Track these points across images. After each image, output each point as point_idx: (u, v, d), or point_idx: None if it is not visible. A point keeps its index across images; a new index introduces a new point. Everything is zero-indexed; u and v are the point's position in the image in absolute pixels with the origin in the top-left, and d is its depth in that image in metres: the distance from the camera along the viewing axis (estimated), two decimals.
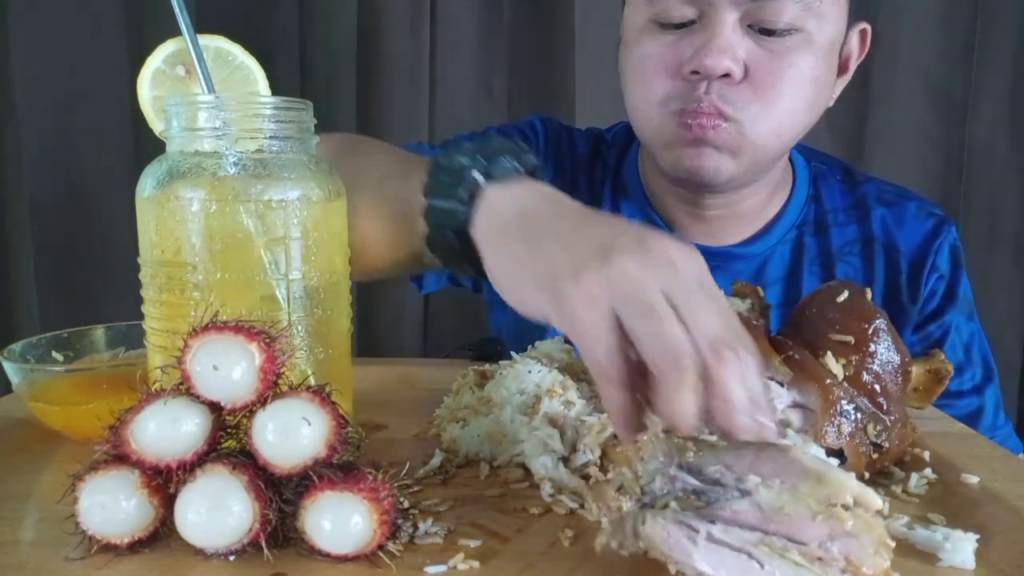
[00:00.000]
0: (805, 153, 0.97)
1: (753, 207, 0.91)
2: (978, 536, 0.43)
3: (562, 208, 0.52)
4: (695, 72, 0.76)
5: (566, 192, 0.53)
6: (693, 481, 0.38)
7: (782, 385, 0.53)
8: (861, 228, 0.94)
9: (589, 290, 0.44)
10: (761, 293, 0.60)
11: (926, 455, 0.56)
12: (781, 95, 0.78)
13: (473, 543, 0.43)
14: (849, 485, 0.36)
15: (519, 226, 0.51)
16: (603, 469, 0.51)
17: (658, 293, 0.44)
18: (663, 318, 0.43)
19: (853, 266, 0.92)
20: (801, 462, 0.37)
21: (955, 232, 0.94)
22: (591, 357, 0.44)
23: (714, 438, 0.50)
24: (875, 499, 0.36)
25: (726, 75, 0.76)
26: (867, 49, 0.87)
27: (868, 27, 0.85)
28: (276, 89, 0.56)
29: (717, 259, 0.91)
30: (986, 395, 0.91)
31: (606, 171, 0.98)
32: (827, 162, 0.98)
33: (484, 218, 0.52)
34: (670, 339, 0.42)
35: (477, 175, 0.54)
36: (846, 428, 0.52)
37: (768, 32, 0.76)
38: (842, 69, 0.85)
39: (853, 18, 0.83)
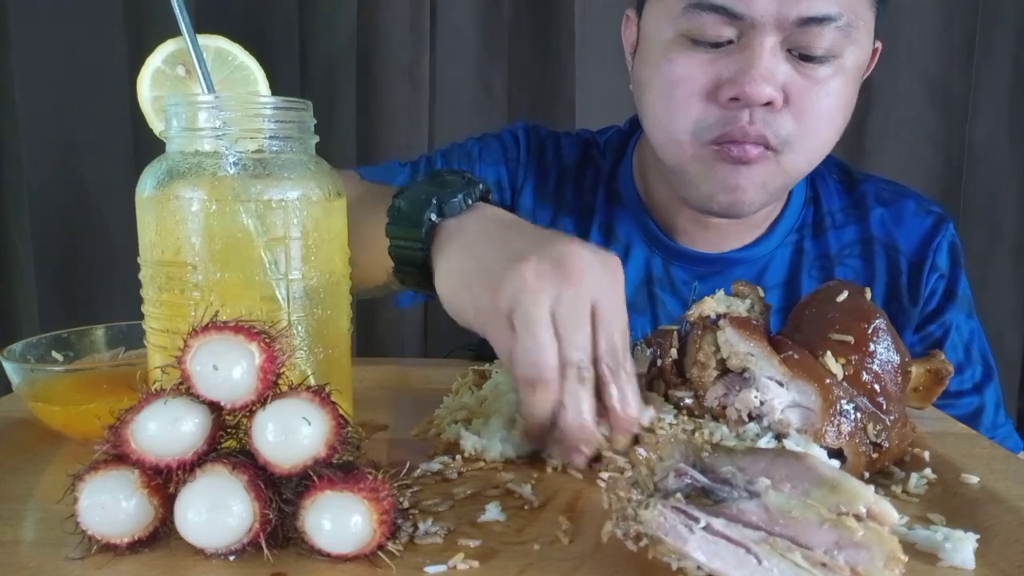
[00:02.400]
0: None
1: (759, 216, 0.90)
2: (978, 536, 0.43)
3: (501, 228, 0.57)
4: (734, 99, 0.74)
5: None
6: (702, 479, 0.38)
7: (781, 385, 0.53)
8: (859, 229, 0.93)
9: (497, 303, 0.51)
10: (761, 293, 0.60)
11: (926, 455, 0.56)
12: (819, 123, 0.77)
13: (473, 543, 0.43)
14: (864, 495, 0.36)
15: (462, 251, 0.56)
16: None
17: (542, 306, 0.50)
18: (536, 332, 0.49)
19: (853, 268, 0.92)
20: (816, 469, 0.38)
21: (954, 229, 0.94)
22: (506, 364, 0.51)
23: (733, 442, 0.51)
24: (891, 512, 0.36)
25: (768, 103, 0.74)
26: (874, 66, 0.86)
27: (880, 45, 0.84)
28: (276, 89, 0.56)
29: (718, 264, 0.91)
30: (986, 394, 0.91)
31: (599, 178, 0.96)
32: (825, 161, 0.96)
33: (437, 251, 0.59)
34: (533, 352, 0.49)
35: (432, 216, 0.59)
36: (846, 428, 0.52)
37: (807, 58, 0.74)
38: None
39: (876, 34, 0.81)
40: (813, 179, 0.94)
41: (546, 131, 1.01)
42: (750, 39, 0.73)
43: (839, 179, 0.96)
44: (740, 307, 0.58)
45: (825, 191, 0.94)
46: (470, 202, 0.60)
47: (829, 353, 0.54)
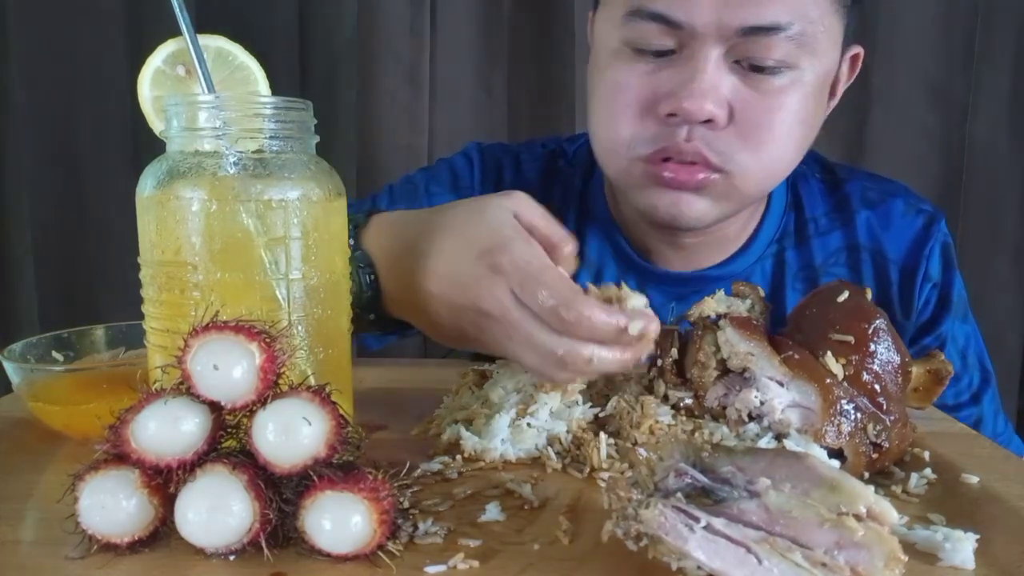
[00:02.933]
0: None
1: (733, 230, 0.85)
2: (978, 536, 0.43)
3: (414, 249, 0.58)
4: (672, 114, 0.69)
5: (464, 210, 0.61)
6: (702, 478, 0.38)
7: (782, 385, 0.53)
8: (845, 235, 0.88)
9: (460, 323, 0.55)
10: (762, 293, 0.60)
11: (926, 455, 0.56)
12: (771, 140, 0.71)
13: (473, 543, 0.43)
14: (864, 495, 0.36)
15: (405, 293, 0.59)
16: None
17: (502, 338, 0.53)
18: (532, 344, 0.52)
19: (838, 278, 0.86)
20: (816, 469, 0.38)
21: (945, 227, 0.89)
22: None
23: (734, 442, 0.52)
24: (891, 512, 0.36)
25: (708, 121, 0.69)
26: (857, 72, 0.82)
27: (861, 51, 0.80)
28: (276, 89, 0.56)
29: (694, 284, 0.86)
30: (984, 402, 0.87)
31: (569, 193, 0.91)
32: (806, 160, 0.89)
33: (373, 231, 0.62)
34: (547, 355, 0.51)
35: (356, 214, 0.62)
36: (846, 428, 0.52)
37: (757, 69, 0.69)
38: (830, 95, 0.79)
39: (847, 44, 0.76)
40: (795, 181, 0.89)
41: (503, 148, 0.96)
42: (692, 50, 0.68)
43: (822, 179, 0.90)
44: (740, 307, 0.58)
45: (808, 193, 0.89)
46: (375, 278, 0.61)
47: (829, 353, 0.54)
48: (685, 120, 0.69)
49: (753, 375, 0.54)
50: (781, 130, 0.71)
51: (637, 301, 0.53)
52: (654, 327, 0.52)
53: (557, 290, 0.51)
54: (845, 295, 0.57)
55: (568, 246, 0.56)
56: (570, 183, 0.91)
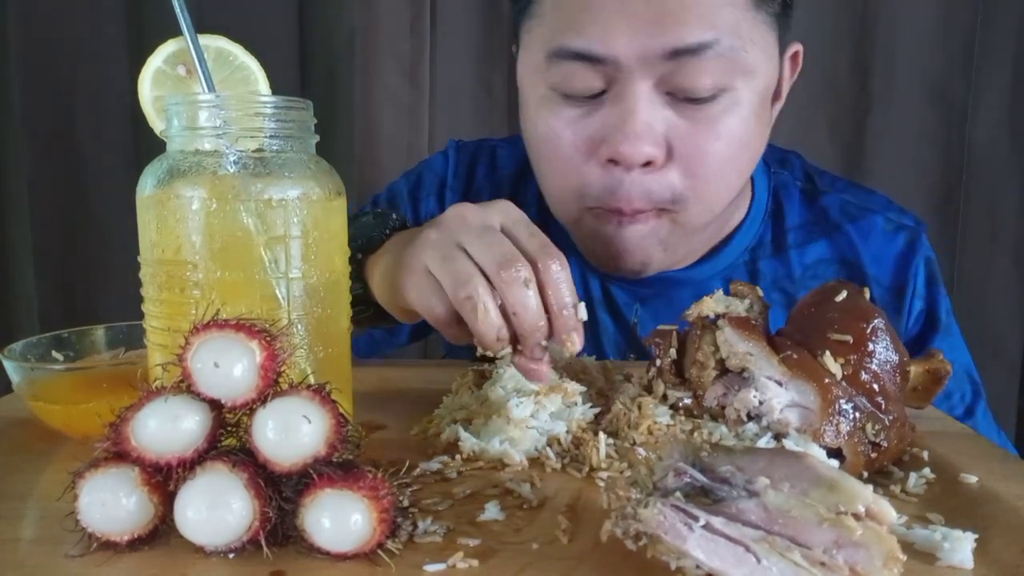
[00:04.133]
0: (766, 156, 0.83)
1: (704, 234, 0.80)
2: (977, 536, 0.43)
3: (409, 236, 0.62)
4: (611, 160, 0.68)
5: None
6: (701, 478, 0.38)
7: (780, 384, 0.53)
8: (824, 248, 0.85)
9: (409, 262, 0.56)
10: (760, 293, 0.60)
11: (925, 455, 0.56)
12: (714, 172, 0.68)
13: (472, 542, 0.43)
14: (862, 494, 0.36)
15: (385, 263, 0.63)
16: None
17: (452, 246, 0.53)
18: (451, 262, 0.53)
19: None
20: (815, 469, 0.38)
21: (926, 241, 0.86)
22: (429, 315, 0.56)
23: (733, 442, 0.52)
24: (889, 511, 0.36)
25: (648, 163, 0.67)
26: (799, 67, 0.79)
27: (800, 48, 0.77)
28: (276, 89, 0.56)
29: (658, 286, 0.83)
30: (978, 415, 0.84)
31: (536, 197, 0.88)
32: (790, 166, 0.89)
33: (370, 279, 0.67)
34: (453, 276, 0.52)
35: (358, 255, 0.66)
36: (844, 427, 0.52)
37: (691, 100, 0.66)
38: (774, 99, 0.76)
39: (784, 49, 0.74)
40: (777, 190, 0.86)
41: (478, 146, 0.95)
42: (621, 88, 0.65)
43: (802, 188, 0.87)
44: (739, 307, 0.58)
45: (789, 203, 0.86)
46: (387, 232, 0.68)
47: (828, 353, 0.54)
48: (625, 166, 0.67)
49: (752, 375, 0.54)
50: (722, 160, 0.68)
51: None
52: (573, 345, 0.53)
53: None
54: (843, 295, 0.57)
55: (555, 263, 0.53)
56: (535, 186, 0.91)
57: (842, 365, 0.53)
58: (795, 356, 0.54)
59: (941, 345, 0.85)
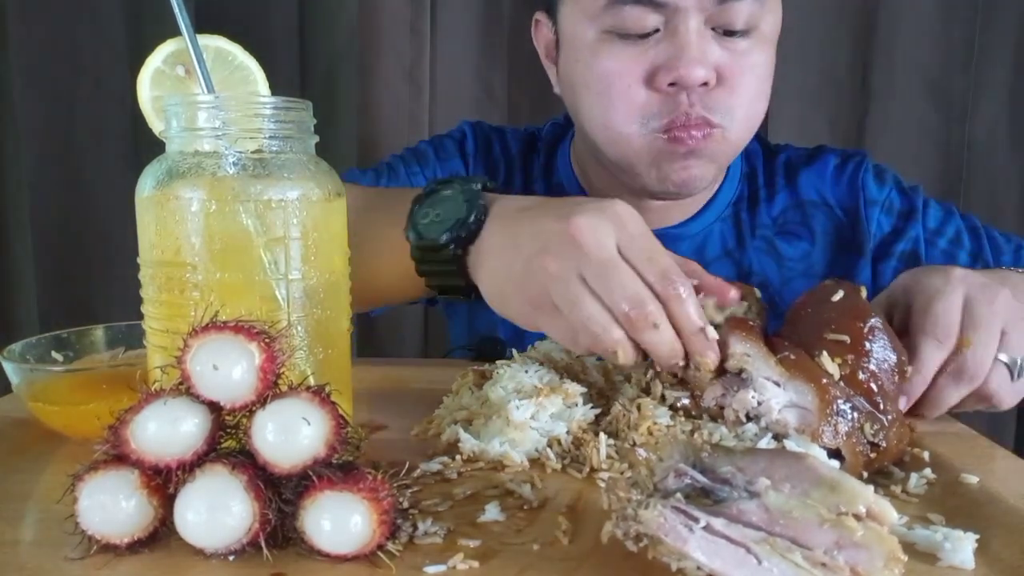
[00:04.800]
0: None
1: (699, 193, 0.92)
2: (978, 536, 0.43)
3: (514, 228, 0.59)
4: (672, 84, 0.76)
5: (502, 189, 0.64)
6: (702, 479, 0.38)
7: (778, 385, 0.53)
8: (789, 195, 0.96)
9: (534, 301, 0.56)
10: (758, 294, 0.60)
11: (925, 455, 0.56)
12: (751, 94, 0.80)
13: (473, 543, 0.43)
14: (863, 495, 0.36)
15: (491, 267, 0.60)
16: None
17: (573, 282, 0.54)
18: (580, 306, 0.53)
19: (794, 234, 0.94)
20: (816, 470, 0.38)
21: (870, 160, 0.97)
22: (573, 347, 0.56)
23: (733, 443, 0.51)
24: (890, 512, 0.36)
25: (703, 84, 0.76)
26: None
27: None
28: (276, 89, 0.56)
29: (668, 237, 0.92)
30: (986, 246, 0.93)
31: (540, 168, 1.00)
32: (756, 137, 1.00)
33: (473, 271, 0.62)
34: (592, 322, 0.53)
35: (457, 251, 0.61)
36: (843, 428, 0.52)
37: (729, 33, 0.77)
38: None
39: None
40: (749, 155, 0.97)
41: (489, 126, 1.04)
42: (676, 25, 0.75)
43: (762, 153, 0.99)
44: (737, 309, 0.58)
45: (757, 164, 0.98)
46: (482, 218, 0.62)
47: (825, 353, 0.54)
48: (684, 87, 0.76)
49: (750, 375, 0.54)
50: (757, 85, 0.80)
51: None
52: (711, 359, 0.55)
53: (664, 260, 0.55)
54: (840, 295, 0.57)
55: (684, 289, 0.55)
56: (540, 159, 1.01)
57: (840, 365, 0.53)
58: (792, 357, 0.54)
59: (926, 226, 0.93)
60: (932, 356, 0.59)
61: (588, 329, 0.54)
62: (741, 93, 0.79)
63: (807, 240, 0.94)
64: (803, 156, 0.98)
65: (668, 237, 0.90)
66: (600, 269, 0.53)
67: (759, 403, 0.53)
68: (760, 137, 0.99)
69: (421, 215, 0.63)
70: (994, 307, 0.60)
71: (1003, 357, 0.61)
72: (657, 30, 0.77)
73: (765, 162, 0.98)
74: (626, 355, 0.54)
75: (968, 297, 0.61)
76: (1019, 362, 0.61)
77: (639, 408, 0.56)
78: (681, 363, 0.55)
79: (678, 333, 0.54)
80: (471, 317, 1.01)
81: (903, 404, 0.58)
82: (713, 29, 0.77)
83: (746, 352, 0.54)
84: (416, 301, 0.99)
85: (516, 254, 0.57)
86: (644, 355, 0.55)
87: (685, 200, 0.91)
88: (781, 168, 0.97)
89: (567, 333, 0.56)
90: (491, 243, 0.61)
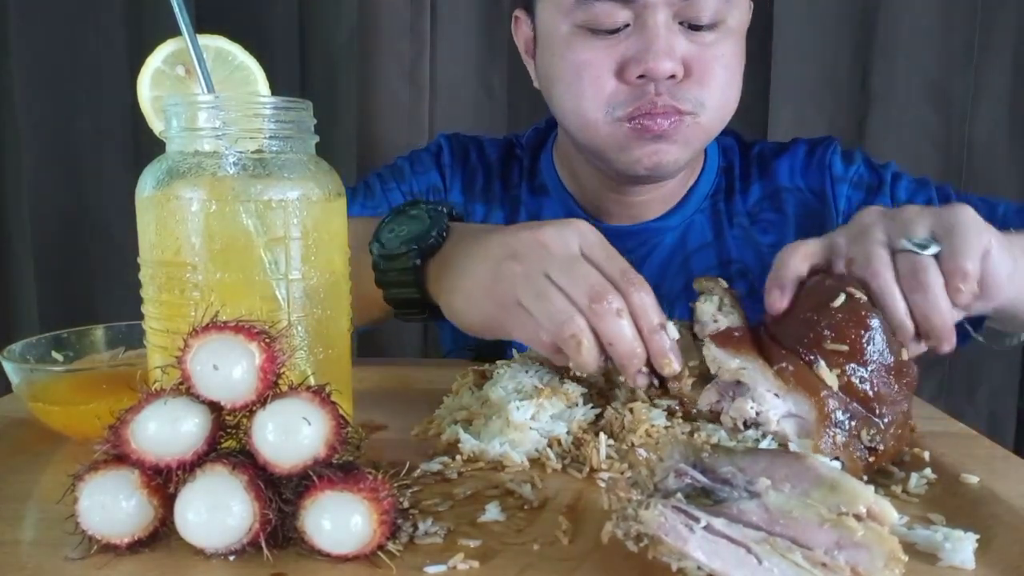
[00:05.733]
0: None
1: (676, 185, 0.95)
2: (978, 536, 0.43)
3: (476, 245, 0.62)
4: (641, 76, 0.79)
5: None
6: (702, 479, 0.38)
7: (777, 397, 0.53)
8: (763, 185, 0.98)
9: (502, 303, 0.58)
10: (724, 284, 0.59)
11: (926, 455, 0.56)
12: (720, 84, 0.82)
13: (473, 543, 0.43)
14: (864, 495, 0.36)
15: (454, 278, 0.62)
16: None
17: (540, 280, 0.55)
18: (546, 298, 0.55)
19: (768, 221, 0.97)
20: (816, 470, 0.38)
21: (839, 144, 0.99)
22: (540, 347, 0.57)
23: (733, 443, 0.51)
24: (891, 512, 0.36)
25: (671, 76, 0.79)
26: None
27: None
28: (276, 89, 0.56)
29: (643, 235, 0.96)
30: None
31: (521, 174, 1.02)
32: (729, 133, 1.02)
33: (432, 287, 0.65)
34: (553, 315, 0.55)
35: (416, 261, 0.65)
36: (840, 439, 0.52)
37: (696, 27, 0.80)
38: None
39: None
40: (725, 149, 1.01)
41: (467, 137, 1.07)
42: (644, 19, 0.78)
43: (738, 148, 1.02)
44: (708, 308, 0.57)
45: (733, 158, 1.00)
46: (444, 235, 0.66)
47: (823, 363, 0.53)
48: (652, 79, 0.79)
49: (748, 387, 0.54)
50: (726, 76, 0.83)
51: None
52: (672, 368, 0.56)
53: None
54: (841, 300, 0.55)
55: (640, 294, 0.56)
56: (522, 163, 1.04)
57: (838, 376, 0.53)
58: (791, 368, 0.53)
59: (895, 196, 0.95)
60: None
61: (552, 320, 0.55)
62: (709, 83, 0.81)
63: (781, 225, 0.97)
64: (776, 147, 1.02)
65: (651, 231, 0.96)
66: (565, 265, 0.56)
67: (757, 413, 0.53)
68: (735, 133, 1.02)
69: (387, 230, 0.67)
70: (902, 213, 0.58)
71: (904, 243, 0.56)
72: (627, 25, 0.80)
73: (741, 156, 1.01)
74: (589, 346, 0.54)
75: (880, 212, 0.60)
76: (915, 240, 0.56)
77: (631, 411, 0.56)
78: (644, 369, 0.55)
79: (639, 331, 0.55)
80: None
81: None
82: (681, 23, 0.80)
83: (742, 366, 0.54)
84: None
85: (483, 262, 0.60)
86: (606, 356, 0.55)
87: (665, 194, 0.94)
88: (755, 159, 1.00)
89: (533, 332, 0.57)
90: (453, 256, 0.64)
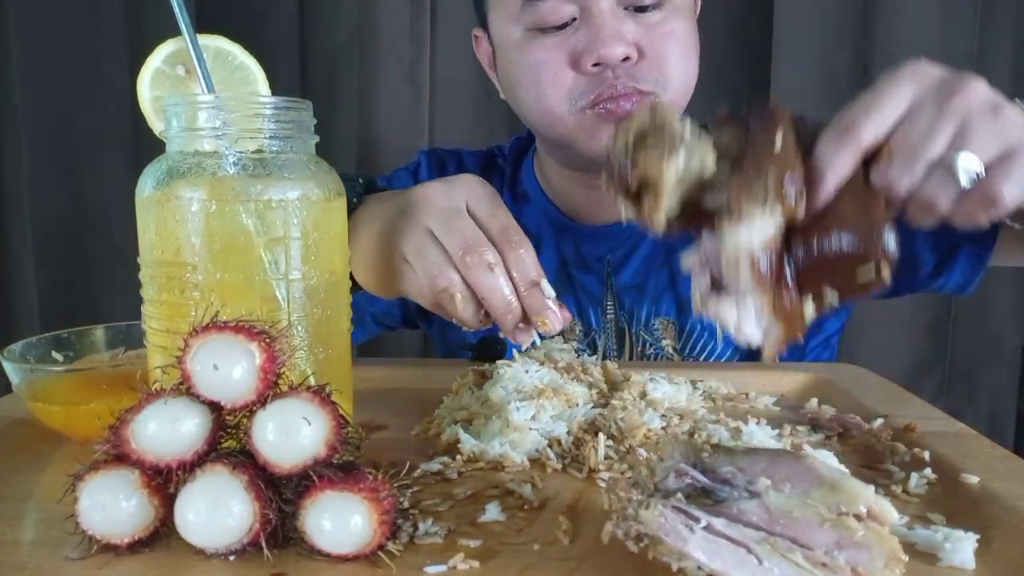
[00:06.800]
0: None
1: None
2: (978, 536, 0.43)
3: (378, 210, 0.65)
4: (596, 64, 0.80)
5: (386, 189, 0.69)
6: (702, 479, 0.38)
7: (756, 313, 0.50)
8: None
9: (394, 263, 0.60)
10: (678, 120, 0.51)
11: (926, 455, 0.56)
12: (677, 60, 0.83)
13: (473, 543, 0.43)
14: (864, 495, 0.36)
15: (357, 242, 0.64)
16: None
17: (420, 236, 0.57)
18: (423, 255, 0.56)
19: None
20: (816, 470, 0.38)
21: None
22: (427, 303, 0.59)
23: (733, 443, 0.51)
24: (891, 512, 0.36)
25: (626, 59, 0.80)
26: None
27: None
28: (276, 89, 0.56)
29: (623, 234, 0.95)
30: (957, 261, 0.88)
31: (503, 181, 1.05)
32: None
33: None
34: (429, 270, 0.56)
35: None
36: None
37: (641, 9, 0.81)
38: None
39: None
40: None
41: (446, 151, 1.10)
42: (590, 10, 0.80)
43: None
44: (676, 165, 0.49)
45: None
46: (355, 199, 0.68)
47: (811, 301, 0.49)
48: (607, 65, 0.80)
49: (738, 295, 0.49)
50: (680, 49, 0.84)
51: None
52: (554, 321, 0.56)
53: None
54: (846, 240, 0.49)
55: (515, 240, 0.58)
56: (504, 172, 1.06)
57: (816, 309, 0.49)
58: (787, 305, 0.49)
59: None
60: (826, 153, 0.48)
61: (427, 273, 0.56)
62: (665, 61, 0.82)
63: None
64: None
65: (631, 229, 0.92)
66: (445, 218, 0.57)
67: (735, 324, 0.50)
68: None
69: None
70: (950, 102, 0.48)
71: (956, 166, 0.48)
72: (575, 19, 0.81)
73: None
74: (462, 299, 0.55)
75: (917, 95, 0.49)
76: (966, 161, 0.48)
77: (626, 419, 0.56)
78: (522, 325, 0.56)
79: (515, 289, 0.56)
80: (443, 330, 1.03)
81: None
82: (626, 8, 0.81)
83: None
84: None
85: (376, 222, 0.63)
86: (485, 313, 0.56)
87: None
88: None
89: (415, 287, 0.58)
90: (356, 222, 0.66)
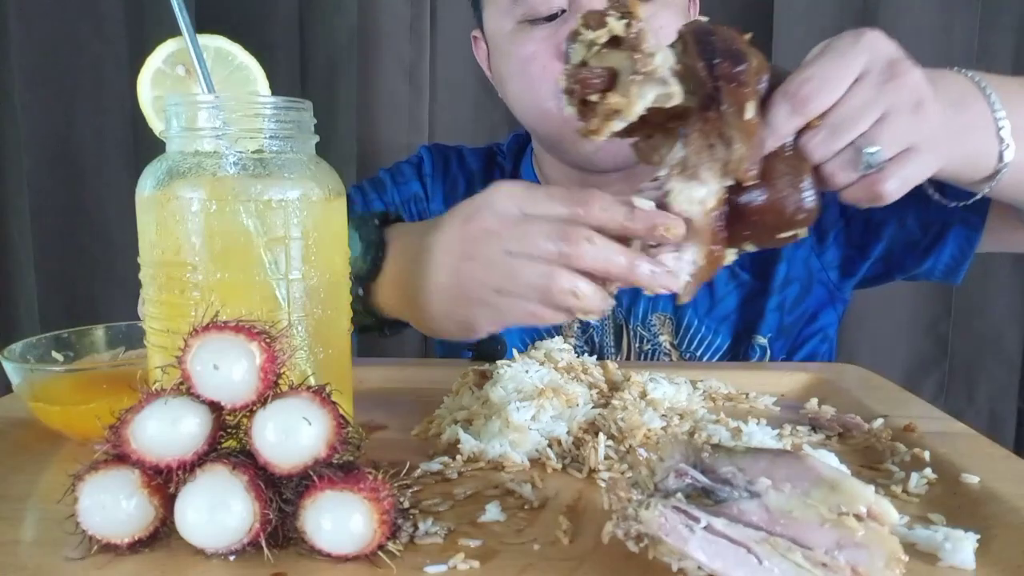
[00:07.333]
0: None
1: (646, 175, 0.94)
2: (978, 536, 0.42)
3: (421, 241, 0.59)
4: None
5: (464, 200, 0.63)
6: (703, 479, 0.38)
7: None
8: None
9: (474, 298, 0.56)
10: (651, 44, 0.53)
11: (926, 455, 0.56)
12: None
13: (473, 543, 0.43)
14: (864, 495, 0.36)
15: (413, 298, 0.59)
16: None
17: (502, 259, 0.53)
18: (515, 272, 0.53)
19: None
20: (816, 470, 0.38)
21: None
22: (534, 323, 0.55)
23: (733, 443, 0.51)
24: (891, 512, 0.36)
25: None
26: None
27: None
28: (276, 89, 0.56)
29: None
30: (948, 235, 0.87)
31: (503, 177, 1.03)
32: None
33: (386, 300, 0.63)
34: (534, 278, 0.52)
35: (355, 289, 0.59)
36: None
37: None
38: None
39: None
40: None
41: (448, 147, 1.10)
42: (579, 3, 0.79)
43: None
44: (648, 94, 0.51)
45: None
46: (381, 253, 0.62)
47: (734, 249, 0.53)
48: None
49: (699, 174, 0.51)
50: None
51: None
52: (670, 225, 0.51)
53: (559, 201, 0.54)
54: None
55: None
56: (504, 168, 1.06)
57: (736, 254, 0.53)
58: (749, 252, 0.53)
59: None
60: (778, 123, 0.51)
61: (537, 288, 0.52)
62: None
63: None
64: None
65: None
66: (515, 233, 0.53)
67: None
68: None
69: None
70: (884, 88, 0.51)
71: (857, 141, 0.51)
72: (564, 11, 0.81)
73: None
74: (586, 290, 0.52)
75: (864, 70, 0.52)
76: (871, 152, 0.51)
77: (626, 420, 0.56)
78: (654, 270, 0.52)
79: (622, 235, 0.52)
80: None
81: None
82: None
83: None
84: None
85: (437, 276, 0.57)
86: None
87: (635, 185, 0.93)
88: None
89: (524, 311, 0.54)
90: (402, 278, 0.61)
